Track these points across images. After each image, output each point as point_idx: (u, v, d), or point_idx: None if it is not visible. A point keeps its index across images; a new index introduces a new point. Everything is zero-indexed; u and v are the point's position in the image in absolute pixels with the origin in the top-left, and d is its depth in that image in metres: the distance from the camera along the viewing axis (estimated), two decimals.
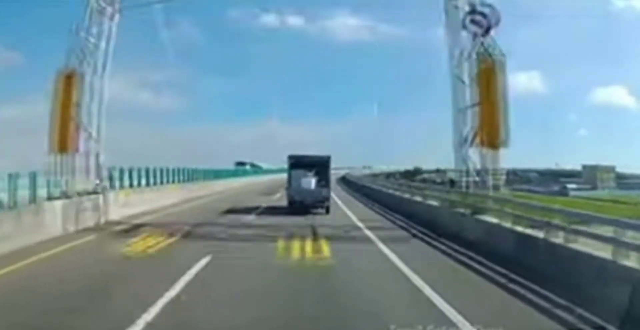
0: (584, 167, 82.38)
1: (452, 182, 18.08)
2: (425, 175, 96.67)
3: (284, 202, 20.70)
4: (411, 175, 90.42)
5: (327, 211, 19.13)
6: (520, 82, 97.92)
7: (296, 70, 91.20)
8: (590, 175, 79.68)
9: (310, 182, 18.96)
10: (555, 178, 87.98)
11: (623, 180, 79.66)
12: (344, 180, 50.56)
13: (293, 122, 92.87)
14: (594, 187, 73.78)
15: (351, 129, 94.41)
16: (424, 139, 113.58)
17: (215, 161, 47.61)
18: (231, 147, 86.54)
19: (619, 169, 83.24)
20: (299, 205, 18.83)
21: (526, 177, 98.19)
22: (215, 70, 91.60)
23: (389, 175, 62.14)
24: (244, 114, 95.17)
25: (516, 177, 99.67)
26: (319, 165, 19.74)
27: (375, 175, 57.94)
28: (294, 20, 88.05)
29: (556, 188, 68.07)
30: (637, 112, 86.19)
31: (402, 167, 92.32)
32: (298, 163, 19.71)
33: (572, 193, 61.89)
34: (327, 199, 19.28)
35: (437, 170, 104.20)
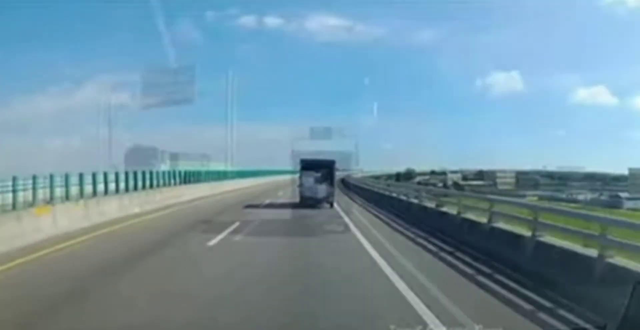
0: (631, 170, 71.25)
1: (457, 186, 13.55)
2: (419, 178, 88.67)
3: None
4: (405, 178, 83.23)
5: (332, 206, 22.70)
6: (500, 82, 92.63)
7: (272, 71, 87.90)
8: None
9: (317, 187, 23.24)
10: (563, 181, 79.91)
11: None
12: (349, 187, 38.57)
13: (265, 122, 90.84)
14: None
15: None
16: (412, 140, 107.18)
17: None
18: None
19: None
20: (308, 201, 22.58)
21: (534, 180, 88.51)
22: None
23: (377, 178, 54.97)
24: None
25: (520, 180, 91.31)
26: (325, 168, 23.59)
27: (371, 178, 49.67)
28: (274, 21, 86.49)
29: (603, 197, 60.10)
30: (618, 111, 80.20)
31: (384, 169, 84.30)
32: (308, 165, 23.73)
33: (626, 204, 53.55)
34: (332, 195, 23.27)
35: (433, 172, 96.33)
